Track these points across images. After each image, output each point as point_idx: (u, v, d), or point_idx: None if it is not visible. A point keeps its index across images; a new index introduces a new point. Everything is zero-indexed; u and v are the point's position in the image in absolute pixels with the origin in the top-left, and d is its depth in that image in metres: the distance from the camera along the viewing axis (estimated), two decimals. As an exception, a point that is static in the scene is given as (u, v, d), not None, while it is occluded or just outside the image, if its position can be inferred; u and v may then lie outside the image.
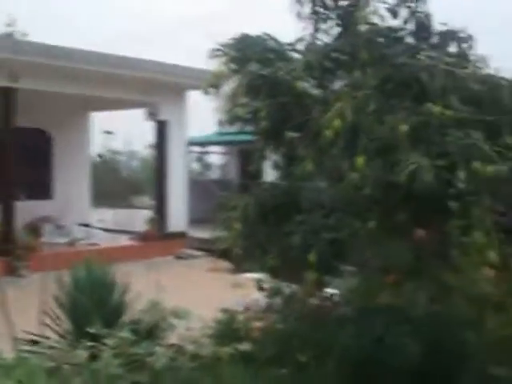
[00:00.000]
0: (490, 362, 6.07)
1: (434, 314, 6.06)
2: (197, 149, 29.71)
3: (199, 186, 24.70)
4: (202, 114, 7.36)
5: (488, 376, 6.13)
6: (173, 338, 7.19)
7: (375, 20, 7.07)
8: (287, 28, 7.33)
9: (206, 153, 31.27)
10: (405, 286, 6.55)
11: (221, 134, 24.62)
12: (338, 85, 7.06)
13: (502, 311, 5.87)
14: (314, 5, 7.09)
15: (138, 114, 20.69)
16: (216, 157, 31.36)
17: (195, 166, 32.27)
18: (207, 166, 32.92)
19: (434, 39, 7.15)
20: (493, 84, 6.59)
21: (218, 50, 7.13)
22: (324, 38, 7.21)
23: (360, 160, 5.80)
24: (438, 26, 7.18)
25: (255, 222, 6.88)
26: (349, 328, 6.39)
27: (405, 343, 5.92)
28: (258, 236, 6.91)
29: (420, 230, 6.15)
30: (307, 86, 6.69)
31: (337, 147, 6.04)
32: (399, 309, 6.36)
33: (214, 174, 31.76)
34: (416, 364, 5.80)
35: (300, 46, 7.24)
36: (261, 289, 7.94)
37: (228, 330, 7.85)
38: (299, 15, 7.09)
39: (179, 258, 19.30)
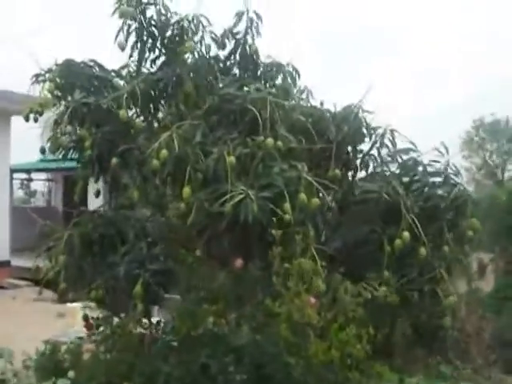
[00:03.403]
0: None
1: (257, 342, 6.17)
2: (21, 175, 28.83)
3: (23, 214, 23.90)
4: (28, 140, 7.17)
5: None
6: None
7: (202, 50, 7.20)
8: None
9: (31, 179, 30.39)
10: (229, 314, 6.62)
11: (46, 160, 24.02)
12: (163, 114, 7.13)
13: (324, 337, 6.06)
14: (140, 34, 7.11)
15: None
16: (41, 184, 30.59)
17: (19, 193, 31.28)
18: (32, 193, 31.98)
19: (260, 71, 7.36)
20: (317, 116, 6.88)
21: (42, 75, 6.99)
22: (150, 67, 7.25)
23: (186, 190, 5.87)
24: (264, 58, 7.42)
25: (79, 254, 6.75)
26: (173, 356, 6.40)
27: (229, 372, 6.00)
28: (82, 267, 6.78)
29: (240, 260, 6.25)
30: (131, 114, 6.68)
31: (162, 176, 6.08)
32: (223, 337, 6.43)
33: (39, 202, 30.90)
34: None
35: (125, 73, 7.24)
36: (86, 319, 7.80)
37: (51, 361, 7.66)
38: (123, 44, 7.06)
39: (1, 288, 18.57)
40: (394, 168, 6.98)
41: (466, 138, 48.85)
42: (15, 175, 25.71)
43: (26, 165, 26.90)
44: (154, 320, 7.54)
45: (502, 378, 13.67)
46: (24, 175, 29.38)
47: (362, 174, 7.21)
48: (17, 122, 20.29)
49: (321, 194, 6.10)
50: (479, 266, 16.87)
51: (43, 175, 29.28)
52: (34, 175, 29.62)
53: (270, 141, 6.06)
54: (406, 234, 6.20)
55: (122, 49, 7.05)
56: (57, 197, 27.60)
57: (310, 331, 6.04)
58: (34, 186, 31.80)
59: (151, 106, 7.07)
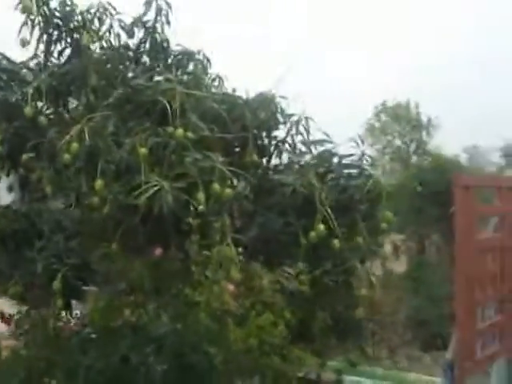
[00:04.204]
0: (232, 373, 6.30)
1: (177, 332, 6.18)
2: None
3: None
4: None
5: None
6: None
7: (111, 39, 7.11)
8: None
9: None
10: (148, 305, 6.61)
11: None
12: (72, 106, 7.01)
13: (243, 325, 6.11)
14: (45, 26, 6.94)
15: None
16: None
17: None
18: None
19: (171, 59, 7.30)
20: (230, 103, 6.87)
21: None
22: (57, 60, 7.09)
23: (99, 183, 5.80)
24: (175, 47, 7.35)
25: (-6, 250, 6.64)
26: (93, 349, 6.36)
27: (149, 362, 6.00)
28: (-2, 263, 6.68)
29: (159, 249, 6.24)
30: (39, 107, 6.55)
31: (74, 170, 5.99)
32: (143, 328, 6.41)
33: None
34: (162, 380, 5.90)
35: (33, 65, 7.09)
36: (2, 316, 7.68)
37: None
38: (25, 40, 6.86)
39: None
40: (309, 158, 6.99)
41: (367, 125, 48.43)
42: None
43: None
44: (74, 313, 7.48)
45: (420, 356, 14.10)
46: None
47: (276, 161, 7.22)
48: None
49: (236, 182, 6.10)
50: (393, 247, 17.29)
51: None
52: None
53: (180, 131, 5.99)
54: (321, 226, 6.18)
55: (24, 45, 6.85)
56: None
57: (229, 319, 6.07)
58: None
59: (60, 100, 6.96)
